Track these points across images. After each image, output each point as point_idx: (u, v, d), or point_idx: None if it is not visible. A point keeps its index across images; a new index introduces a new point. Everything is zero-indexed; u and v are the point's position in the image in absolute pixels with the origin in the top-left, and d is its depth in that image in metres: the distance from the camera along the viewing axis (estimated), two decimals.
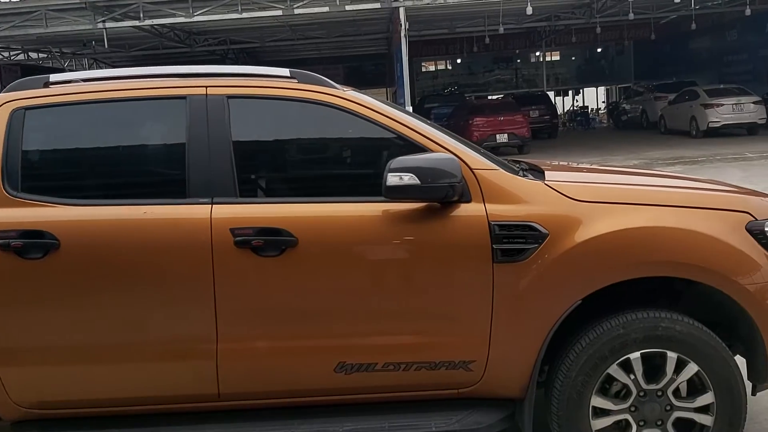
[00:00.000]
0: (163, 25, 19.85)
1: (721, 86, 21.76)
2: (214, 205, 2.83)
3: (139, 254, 2.79)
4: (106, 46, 18.93)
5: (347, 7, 17.52)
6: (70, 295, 2.81)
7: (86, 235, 2.80)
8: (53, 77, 3.12)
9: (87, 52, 25.36)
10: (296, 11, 17.51)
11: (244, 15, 17.68)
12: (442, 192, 2.76)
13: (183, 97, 2.97)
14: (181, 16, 17.71)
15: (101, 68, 27.33)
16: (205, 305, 2.79)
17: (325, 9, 17.59)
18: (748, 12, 20.32)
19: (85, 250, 2.78)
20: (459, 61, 34.65)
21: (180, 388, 2.88)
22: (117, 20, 17.83)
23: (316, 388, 2.91)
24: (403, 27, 17.15)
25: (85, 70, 26.30)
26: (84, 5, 17.06)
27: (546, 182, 2.98)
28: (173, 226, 2.82)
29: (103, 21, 17.62)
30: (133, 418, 2.91)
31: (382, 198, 2.79)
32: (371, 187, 2.93)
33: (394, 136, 2.97)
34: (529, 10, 17.91)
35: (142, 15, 17.55)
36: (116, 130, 3.09)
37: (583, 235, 2.81)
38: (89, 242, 2.79)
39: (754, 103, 20.27)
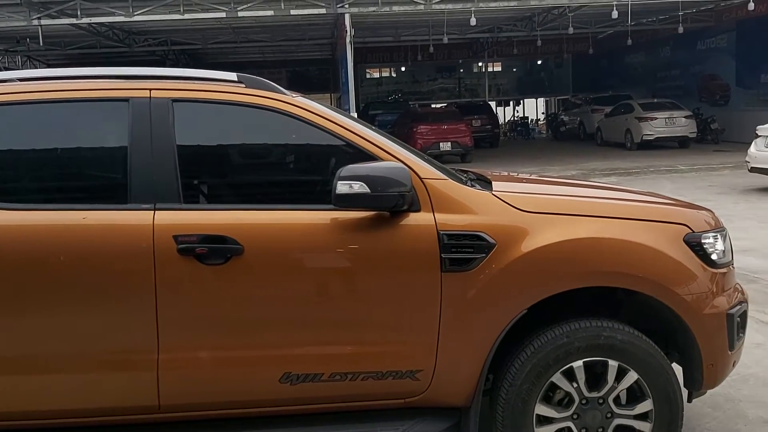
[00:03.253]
0: (101, 24, 19.35)
1: (655, 100, 22.60)
2: (156, 211, 2.74)
3: (76, 261, 2.69)
4: (41, 43, 18.30)
5: (292, 12, 17.44)
6: (0, 303, 2.67)
7: (20, 240, 2.68)
8: None
9: (20, 49, 24.46)
10: (240, 14, 17.32)
11: (186, 16, 17.38)
12: (391, 201, 2.75)
13: (125, 100, 2.88)
14: (121, 15, 17.28)
15: (35, 66, 26.46)
16: (146, 314, 2.70)
17: (270, 13, 17.45)
18: (680, 30, 21.17)
19: (18, 256, 2.66)
20: (403, 68, 34.86)
21: (118, 400, 2.78)
22: (53, 17, 17.28)
23: (261, 399, 2.85)
24: (348, 33, 17.17)
25: (18, 68, 25.37)
26: (19, 1, 16.46)
27: (494, 192, 3.00)
28: (113, 232, 2.72)
29: (39, 18, 17.03)
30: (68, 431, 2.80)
31: (331, 206, 2.77)
32: (320, 194, 2.90)
33: (344, 143, 2.95)
34: (473, 21, 18.19)
35: (79, 13, 17.02)
36: (55, 132, 2.97)
37: (529, 245, 2.85)
38: (23, 248, 2.67)
39: (685, 117, 21.15)
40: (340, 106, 21.06)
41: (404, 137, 19.26)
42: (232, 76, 3.10)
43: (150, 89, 2.91)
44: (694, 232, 3.04)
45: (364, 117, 24.78)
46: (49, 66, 27.46)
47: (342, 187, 2.70)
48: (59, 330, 2.71)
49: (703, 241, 3.04)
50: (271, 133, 3.08)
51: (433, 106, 30.30)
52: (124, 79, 3.04)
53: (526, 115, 37.42)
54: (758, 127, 12.44)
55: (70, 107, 2.93)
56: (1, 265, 2.64)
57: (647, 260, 2.94)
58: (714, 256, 3.06)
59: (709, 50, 24.13)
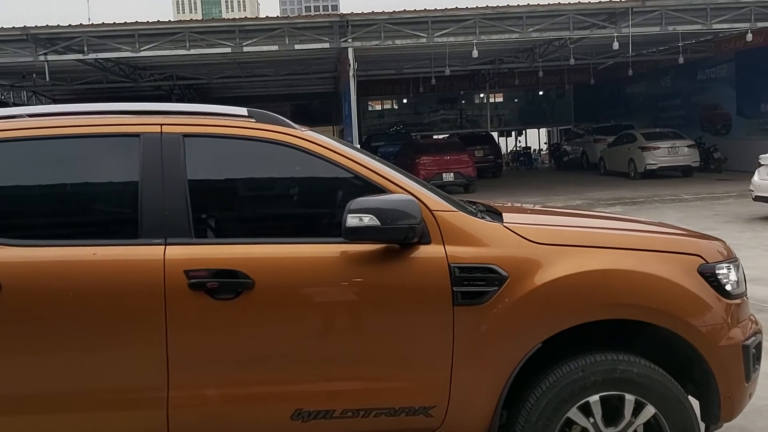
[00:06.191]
0: (107, 60, 19.54)
1: (657, 130, 22.66)
2: (167, 246, 2.73)
3: (86, 298, 2.67)
4: (48, 79, 18.46)
5: (296, 46, 17.63)
6: (11, 341, 2.65)
7: (30, 277, 2.66)
8: None
9: (26, 85, 24.69)
10: (245, 49, 17.52)
11: (192, 51, 17.58)
12: (402, 234, 2.74)
13: (137, 135, 2.89)
14: (127, 50, 17.47)
15: (41, 101, 26.69)
16: (157, 351, 2.67)
17: (275, 47, 17.65)
18: (681, 60, 21.33)
19: (28, 293, 2.65)
20: (405, 100, 35.09)
21: None
22: (60, 53, 17.47)
23: None
24: (351, 67, 17.35)
25: (23, 103, 25.60)
26: (25, 37, 16.68)
27: (504, 224, 2.99)
28: (124, 267, 2.71)
29: (45, 54, 17.23)
30: None
31: (341, 239, 2.75)
32: (330, 227, 2.89)
33: (353, 176, 2.95)
34: (475, 54, 18.36)
35: (86, 48, 17.24)
36: (65, 168, 2.97)
37: (542, 277, 2.82)
38: (33, 285, 2.66)
39: (688, 146, 21.19)
40: (343, 138, 21.17)
41: (407, 168, 19.12)
42: (243, 111, 3.11)
43: (161, 124, 2.92)
44: (707, 262, 3.01)
45: (366, 149, 24.80)
46: (54, 101, 27.71)
47: (352, 220, 2.69)
48: (68, 368, 2.68)
49: (717, 271, 3.01)
50: (281, 167, 3.08)
51: (435, 137, 30.44)
52: (135, 115, 3.05)
53: (528, 145, 37.53)
54: (761, 156, 12.44)
55: (81, 143, 2.94)
56: (10, 302, 2.63)
57: (661, 292, 2.91)
58: (728, 287, 3.03)
59: (709, 80, 24.27)
